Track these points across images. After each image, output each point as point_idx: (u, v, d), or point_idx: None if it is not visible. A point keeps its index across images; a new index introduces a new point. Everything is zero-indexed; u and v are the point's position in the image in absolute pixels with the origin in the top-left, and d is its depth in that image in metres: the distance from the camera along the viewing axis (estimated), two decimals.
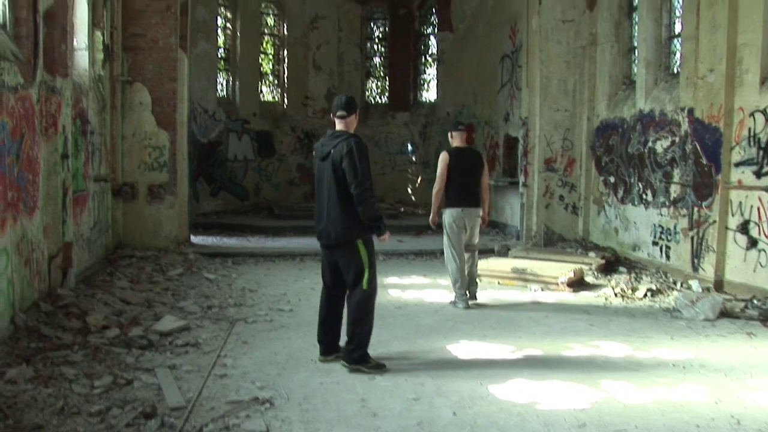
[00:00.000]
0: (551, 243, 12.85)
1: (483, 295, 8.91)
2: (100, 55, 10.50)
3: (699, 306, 7.89)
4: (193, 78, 15.27)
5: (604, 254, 11.20)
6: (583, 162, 12.93)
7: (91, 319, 6.81)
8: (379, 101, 19.75)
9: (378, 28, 19.82)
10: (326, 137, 5.97)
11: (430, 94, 19.11)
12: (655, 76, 11.16)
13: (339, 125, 5.98)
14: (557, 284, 9.34)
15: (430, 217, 8.62)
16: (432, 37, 19.01)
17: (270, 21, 18.89)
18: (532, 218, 13.00)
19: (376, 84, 19.98)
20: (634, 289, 9.18)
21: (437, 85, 18.53)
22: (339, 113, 5.96)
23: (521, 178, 13.28)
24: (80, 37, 9.46)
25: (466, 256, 8.48)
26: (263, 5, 18.50)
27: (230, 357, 6.05)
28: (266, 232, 14.21)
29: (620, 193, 11.85)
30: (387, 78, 19.57)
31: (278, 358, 6.04)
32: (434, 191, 8.45)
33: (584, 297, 9.04)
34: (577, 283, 9.53)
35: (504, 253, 12.23)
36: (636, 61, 11.96)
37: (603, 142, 12.40)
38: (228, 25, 17.73)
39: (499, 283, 9.78)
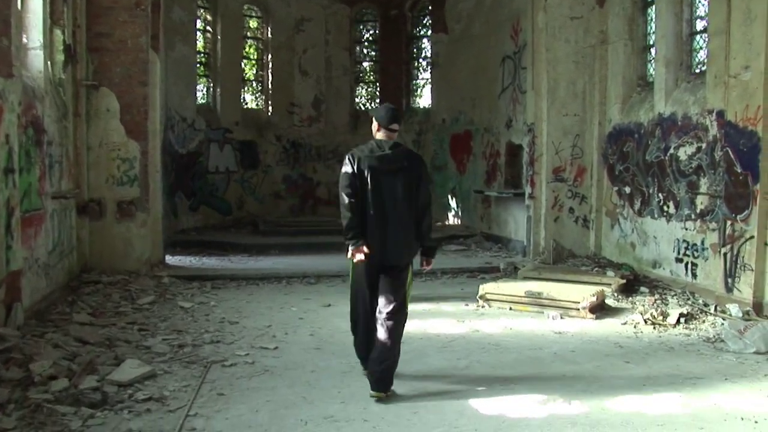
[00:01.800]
0: (561, 259, 11.79)
1: (495, 325, 7.85)
2: (60, 56, 9.37)
3: (748, 337, 6.83)
4: (170, 84, 14.22)
5: (623, 273, 10.13)
6: (594, 171, 11.90)
7: (35, 366, 5.64)
8: (370, 108, 18.63)
9: (368, 30, 18.72)
10: (383, 148, 5.51)
11: (423, 100, 18.03)
12: (676, 76, 10.14)
13: (390, 137, 5.62)
14: (578, 310, 8.26)
15: None
16: (425, 40, 17.90)
17: (253, 24, 17.78)
18: (540, 233, 11.93)
19: (366, 90, 18.88)
20: (664, 315, 8.10)
21: (431, 90, 17.42)
22: (393, 126, 5.63)
23: (527, 189, 12.21)
24: (33, 34, 8.34)
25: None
26: (246, 7, 17.39)
27: (201, 416, 4.92)
28: (249, 250, 13.07)
29: (637, 204, 10.81)
30: (378, 83, 18.47)
31: (260, 418, 4.91)
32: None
33: (610, 325, 7.96)
34: (599, 308, 8.46)
35: (511, 272, 11.16)
36: (653, 61, 10.96)
37: (616, 149, 11.37)
38: (208, 27, 16.61)
39: (511, 308, 8.69)
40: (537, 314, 8.43)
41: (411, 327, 7.49)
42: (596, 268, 10.77)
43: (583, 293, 8.47)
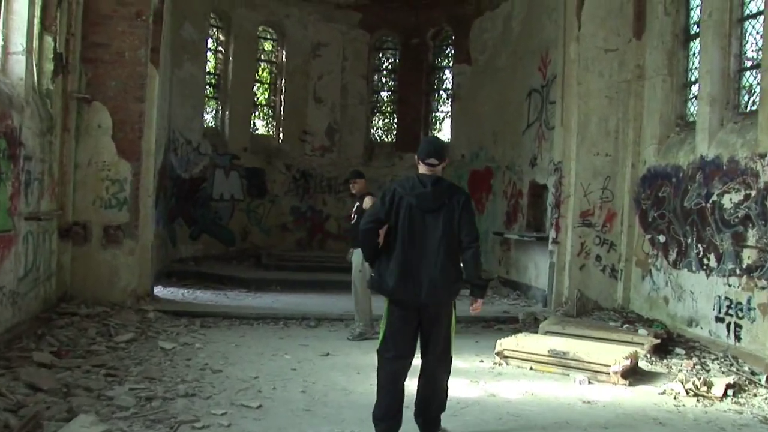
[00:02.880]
0: (585, 311, 10.78)
1: (514, 388, 6.85)
2: (50, 65, 8.60)
3: None
4: (175, 104, 13.46)
5: (656, 331, 9.11)
6: (625, 216, 10.93)
7: None
8: (386, 139, 17.80)
9: (387, 59, 17.92)
10: (425, 185, 5.17)
11: (443, 134, 17.12)
12: (721, 116, 9.20)
13: (431, 171, 5.24)
14: (608, 374, 7.25)
15: None
16: (447, 70, 17.10)
17: (268, 46, 17.03)
18: (564, 281, 10.93)
19: (383, 120, 18.03)
20: (708, 385, 7.05)
21: (451, 123, 16.53)
22: (430, 160, 5.25)
23: (551, 233, 11.24)
24: (16, 38, 7.56)
25: None
26: (261, 29, 16.65)
27: None
28: (248, 285, 12.15)
29: (672, 255, 9.82)
30: (395, 114, 17.61)
31: None
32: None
33: (646, 394, 6.93)
34: (632, 372, 7.44)
35: (530, 323, 10.16)
36: (694, 99, 10.05)
37: (651, 193, 10.41)
38: (220, 47, 15.89)
39: (532, 368, 7.69)
40: (561, 377, 7.42)
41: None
42: (625, 324, 9.76)
43: (614, 355, 7.46)
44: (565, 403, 6.48)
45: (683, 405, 6.59)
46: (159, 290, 11.13)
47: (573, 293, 10.80)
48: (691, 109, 10.28)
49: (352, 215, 9.25)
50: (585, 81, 10.79)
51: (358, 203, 9.20)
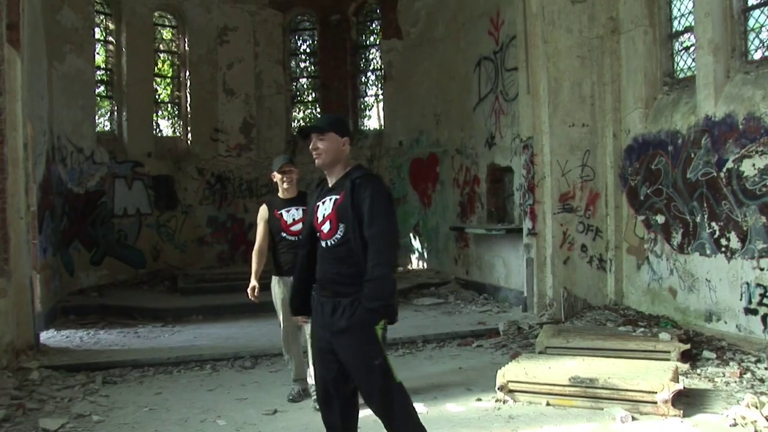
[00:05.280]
0: (574, 313, 9.05)
1: None
2: None
3: None
4: (59, 105, 11.20)
5: (678, 333, 7.41)
6: (610, 196, 9.26)
7: None
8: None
9: (305, 40, 15.79)
10: None
11: (374, 121, 15.18)
12: (727, 66, 7.63)
13: None
14: (655, 404, 5.46)
15: None
16: (374, 49, 15.15)
17: (166, 34, 14.75)
18: (546, 279, 9.17)
19: (305, 111, 15.94)
20: None
21: (384, 107, 14.60)
22: None
23: (526, 224, 9.44)
24: None
25: None
26: (157, 14, 14.38)
27: None
28: (164, 317, 9.92)
29: (676, 237, 8.18)
30: (318, 102, 15.55)
31: None
32: None
33: (714, 429, 5.16)
34: (677, 395, 5.67)
35: (514, 335, 8.41)
36: (684, 51, 8.48)
37: (640, 166, 8.78)
38: (110, 37, 13.54)
39: (549, 404, 5.83)
40: (592, 413, 5.59)
41: None
42: (627, 325, 8.04)
43: (656, 376, 5.68)
44: None
45: None
46: (50, 336, 8.85)
47: (559, 292, 9.05)
48: (680, 64, 8.69)
49: (294, 224, 6.22)
50: (552, 39, 9.06)
51: (300, 207, 6.19)
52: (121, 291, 12.08)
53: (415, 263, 13.79)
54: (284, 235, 6.19)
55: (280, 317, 6.29)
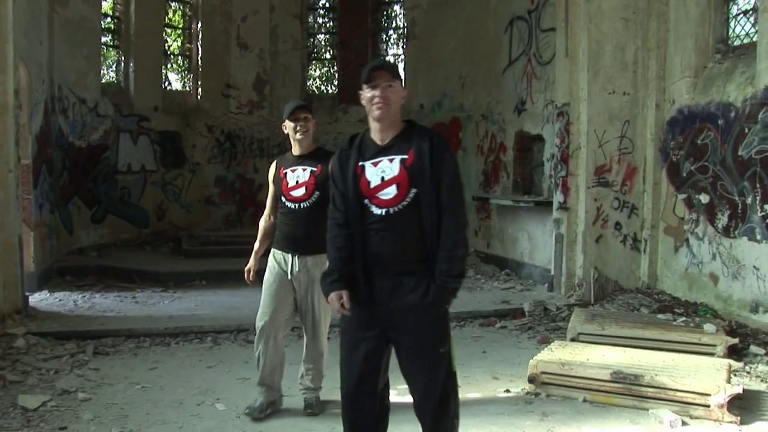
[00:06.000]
0: (605, 295, 8.42)
1: None
2: None
3: None
4: (62, 53, 10.64)
5: (724, 324, 6.77)
6: (648, 171, 8.58)
7: None
8: (326, 91, 15.01)
9: None
10: None
11: None
12: None
13: None
14: (708, 407, 4.84)
15: None
16: (397, 6, 14.34)
17: None
18: (576, 258, 8.52)
19: (322, 69, 15.18)
20: None
21: (405, 68, 13.76)
22: None
23: (557, 197, 8.76)
24: None
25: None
26: None
27: None
28: (165, 281, 9.33)
29: (722, 219, 7.50)
30: (336, 61, 14.77)
31: None
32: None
33: None
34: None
35: (540, 316, 7.81)
36: (742, 15, 7.73)
37: (683, 140, 8.07)
38: None
39: (586, 399, 5.22)
40: (635, 413, 4.96)
41: None
42: (666, 312, 7.40)
43: (708, 375, 5.05)
44: None
45: None
46: (42, 298, 8.29)
47: (589, 273, 8.41)
48: (737, 30, 7.93)
49: (309, 189, 4.88)
50: None
51: (315, 167, 4.89)
52: (123, 251, 11.50)
53: None
54: (283, 199, 4.89)
55: (263, 306, 5.00)
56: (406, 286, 3.33)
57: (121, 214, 12.49)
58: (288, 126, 4.93)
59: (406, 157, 3.35)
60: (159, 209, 13.18)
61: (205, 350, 6.68)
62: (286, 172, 4.90)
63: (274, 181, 5.01)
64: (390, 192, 3.34)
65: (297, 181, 4.83)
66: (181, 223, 13.24)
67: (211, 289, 9.10)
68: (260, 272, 5.03)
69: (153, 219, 13.04)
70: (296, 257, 4.84)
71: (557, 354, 5.67)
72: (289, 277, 4.86)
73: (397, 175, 3.34)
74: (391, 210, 3.34)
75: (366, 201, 3.38)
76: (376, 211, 3.36)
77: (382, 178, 3.36)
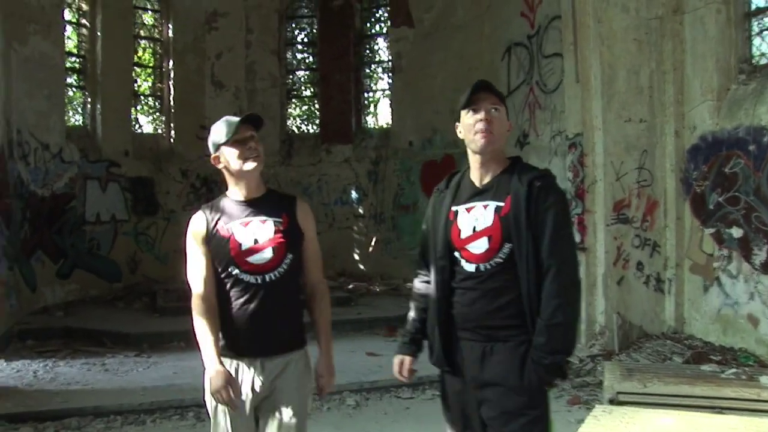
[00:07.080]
0: (629, 343, 7.62)
1: None
2: None
3: None
4: (20, 93, 9.81)
5: None
6: (670, 205, 7.85)
7: None
8: (307, 130, 14.24)
9: (302, 29, 14.31)
10: None
11: (381, 118, 13.73)
12: None
13: None
14: None
15: None
16: (381, 38, 13.70)
17: (148, 19, 13.25)
18: (597, 303, 7.72)
19: (302, 107, 14.45)
20: None
21: (392, 104, 13.11)
22: None
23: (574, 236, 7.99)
24: None
25: None
26: None
27: None
28: (139, 344, 8.37)
29: (760, 255, 6.78)
30: (317, 98, 14.06)
31: None
32: None
33: None
34: None
35: (562, 370, 6.89)
36: (765, 32, 7.09)
37: (708, 170, 7.38)
38: (84, 20, 12.02)
39: None
40: None
41: None
42: (707, 364, 6.60)
43: None
44: None
45: None
46: None
47: (612, 319, 7.61)
48: (763, 47, 7.29)
49: (279, 252, 3.20)
50: (606, 18, 7.63)
51: (279, 216, 3.25)
52: (92, 309, 10.51)
53: None
54: (234, 271, 3.18)
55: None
56: (495, 354, 2.84)
57: (90, 268, 11.55)
58: (227, 155, 3.18)
59: (502, 204, 2.78)
60: (131, 261, 12.26)
61: (186, 429, 5.75)
62: (229, 228, 3.21)
63: (206, 242, 3.23)
64: (481, 245, 2.80)
65: (255, 240, 3.17)
66: (156, 276, 12.29)
67: (191, 352, 8.08)
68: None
69: (125, 272, 12.11)
70: (257, 363, 3.19)
71: (605, 425, 4.81)
72: (248, 398, 3.20)
73: (490, 226, 2.79)
74: (482, 267, 2.78)
75: (456, 254, 2.88)
76: (466, 266, 2.81)
77: (474, 228, 2.80)
